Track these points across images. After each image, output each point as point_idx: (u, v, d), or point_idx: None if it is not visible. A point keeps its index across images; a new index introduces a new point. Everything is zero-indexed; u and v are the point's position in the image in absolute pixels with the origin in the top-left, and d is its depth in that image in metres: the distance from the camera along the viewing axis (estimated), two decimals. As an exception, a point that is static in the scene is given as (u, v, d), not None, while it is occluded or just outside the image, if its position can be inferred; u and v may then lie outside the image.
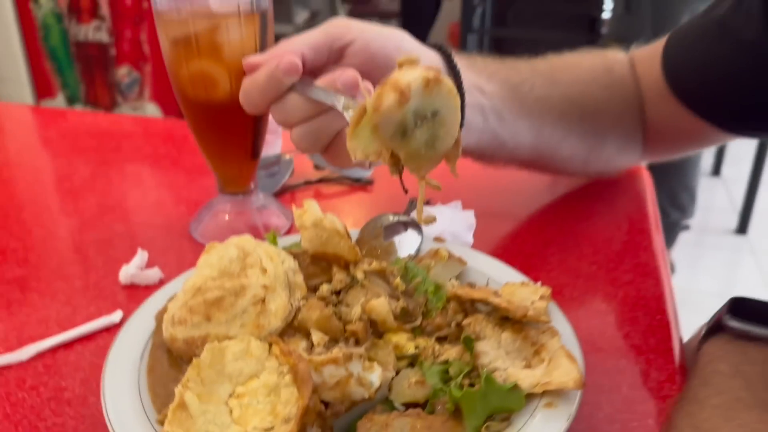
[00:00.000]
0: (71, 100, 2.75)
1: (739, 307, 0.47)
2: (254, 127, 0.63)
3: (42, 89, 2.77)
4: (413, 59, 0.40)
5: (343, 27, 0.55)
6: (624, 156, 0.75)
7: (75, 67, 2.69)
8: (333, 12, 4.52)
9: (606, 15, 2.92)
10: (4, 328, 0.54)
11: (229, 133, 0.63)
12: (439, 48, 0.60)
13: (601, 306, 0.57)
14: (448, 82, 0.39)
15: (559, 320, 0.47)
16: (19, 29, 2.67)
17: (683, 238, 2.51)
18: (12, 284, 0.59)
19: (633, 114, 0.72)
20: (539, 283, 0.50)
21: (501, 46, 3.61)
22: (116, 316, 0.54)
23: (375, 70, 0.52)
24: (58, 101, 2.76)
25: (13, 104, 1.06)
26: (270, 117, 0.65)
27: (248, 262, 0.44)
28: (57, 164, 0.85)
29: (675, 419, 0.41)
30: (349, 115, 0.45)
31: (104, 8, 2.53)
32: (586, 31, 3.27)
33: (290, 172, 0.79)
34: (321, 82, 0.50)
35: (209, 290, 0.42)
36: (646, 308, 0.56)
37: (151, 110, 2.63)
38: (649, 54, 0.70)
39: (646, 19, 2.17)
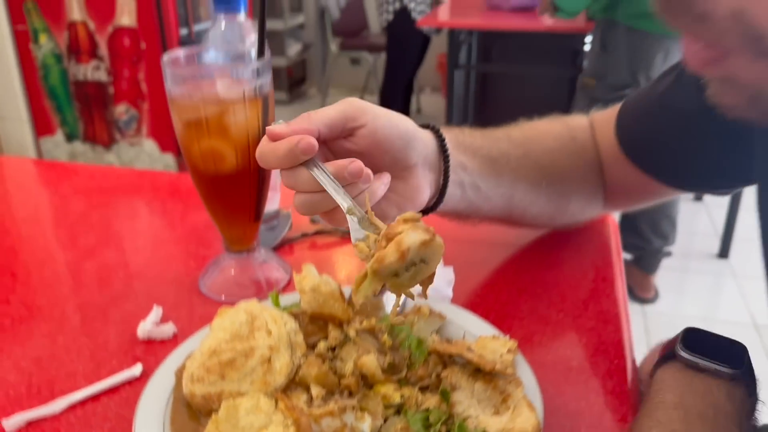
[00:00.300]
0: (70, 137, 2.77)
1: (692, 337, 0.48)
2: (257, 194, 0.67)
3: (41, 127, 2.79)
4: (415, 216, 0.45)
5: (357, 110, 0.57)
6: (586, 212, 0.79)
7: (74, 105, 2.71)
8: (324, 45, 4.55)
9: (587, 47, 2.95)
10: (36, 381, 0.57)
11: (234, 200, 0.67)
12: (433, 129, 0.63)
13: (566, 352, 0.61)
14: (439, 240, 0.44)
15: (524, 371, 0.51)
16: (19, 69, 2.70)
17: (666, 264, 2.51)
18: (41, 339, 0.62)
19: (594, 176, 0.76)
20: (508, 337, 0.54)
21: (486, 80, 3.64)
22: (137, 369, 0.57)
23: (377, 151, 0.56)
24: (58, 138, 2.78)
25: (20, 159, 1.07)
26: (271, 178, 0.70)
27: (256, 325, 0.49)
28: (71, 221, 0.87)
29: None
30: (351, 219, 0.50)
31: (103, 49, 2.57)
32: (569, 65, 3.31)
33: (289, 226, 0.83)
34: (331, 166, 0.53)
35: (223, 352, 0.47)
36: (606, 353, 0.60)
37: (149, 146, 2.66)
38: (606, 119, 0.75)
39: (622, 58, 2.22)
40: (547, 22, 2.79)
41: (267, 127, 0.55)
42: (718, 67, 0.37)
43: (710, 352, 0.46)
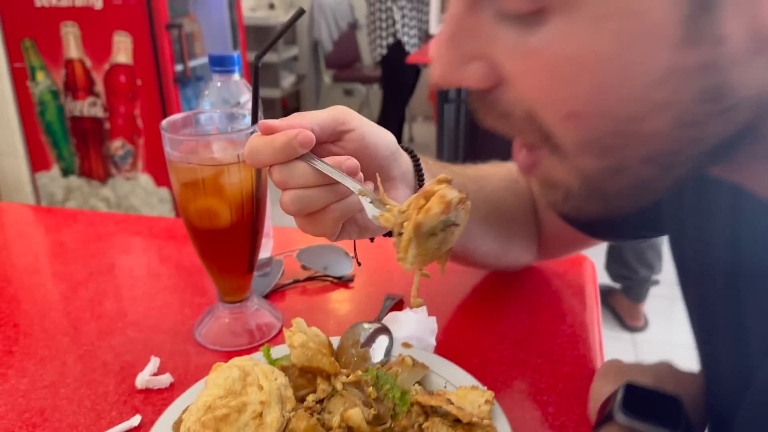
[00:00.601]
0: (66, 172, 2.79)
1: (630, 394, 0.47)
2: (250, 247, 0.70)
3: (38, 162, 2.82)
4: (448, 178, 0.49)
5: (347, 114, 0.59)
6: (525, 255, 0.81)
7: (70, 140, 2.74)
8: (318, 76, 4.59)
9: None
10: (36, 430, 0.59)
11: (228, 254, 0.70)
12: (408, 151, 0.66)
13: (544, 397, 0.63)
14: (469, 204, 0.48)
15: (501, 421, 0.54)
16: (16, 105, 2.73)
17: (655, 292, 2.53)
18: (43, 391, 0.64)
19: (533, 220, 0.78)
20: (486, 388, 0.56)
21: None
22: (135, 420, 0.59)
23: (364, 158, 0.57)
24: (54, 173, 2.80)
25: (19, 205, 1.09)
26: (264, 227, 0.72)
27: (248, 381, 0.51)
28: (71, 269, 0.89)
29: None
30: (364, 200, 0.53)
31: (99, 85, 2.61)
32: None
33: (281, 273, 0.86)
34: (328, 161, 0.54)
35: (217, 408, 0.49)
36: (580, 398, 0.62)
37: (144, 180, 2.69)
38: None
39: None
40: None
41: (261, 121, 0.56)
42: (535, 170, 0.39)
43: (648, 410, 0.45)
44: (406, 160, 0.64)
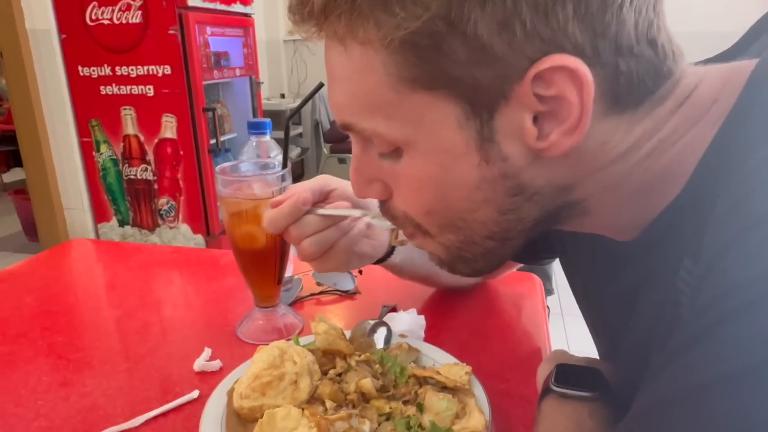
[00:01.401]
0: (122, 223, 2.79)
1: (562, 371, 0.48)
2: (279, 264, 0.71)
3: (100, 215, 2.81)
4: None
5: (329, 179, 0.65)
6: (474, 282, 0.84)
7: (126, 198, 2.75)
8: (318, 149, 4.63)
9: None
10: (121, 404, 0.59)
11: (263, 268, 0.71)
12: None
13: (510, 374, 0.65)
14: None
15: (477, 387, 0.55)
16: (83, 171, 2.75)
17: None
18: (123, 374, 0.65)
19: None
20: (465, 364, 0.58)
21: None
22: (195, 393, 0.60)
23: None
24: (112, 224, 2.80)
25: (89, 240, 1.10)
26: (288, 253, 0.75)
27: (285, 357, 0.53)
28: (137, 289, 0.90)
29: None
30: (369, 218, 0.57)
31: (150, 155, 2.63)
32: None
33: (300, 288, 0.87)
34: (330, 206, 0.60)
35: (263, 377, 0.51)
36: (534, 376, 0.59)
37: (184, 229, 2.68)
38: None
39: None
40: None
41: (270, 200, 0.61)
42: (415, 243, 0.47)
43: (575, 380, 0.46)
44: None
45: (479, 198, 0.39)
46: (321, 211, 0.59)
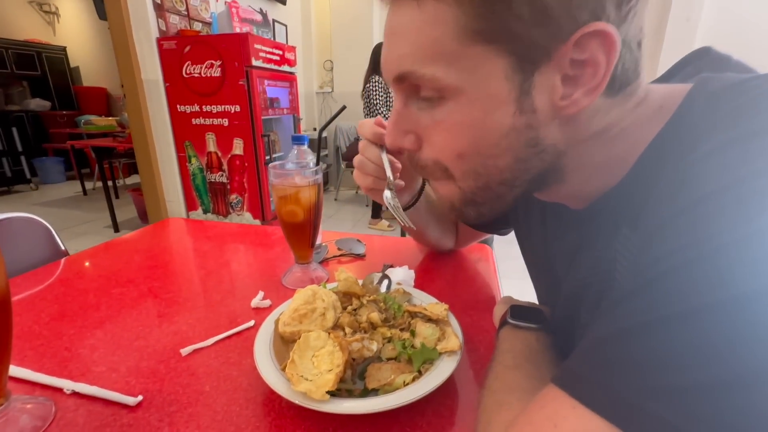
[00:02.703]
0: (205, 211, 2.73)
1: (516, 310, 0.46)
2: (312, 233, 0.68)
3: (190, 206, 2.74)
4: None
5: None
6: (449, 242, 0.79)
7: (209, 194, 2.68)
8: (338, 165, 4.57)
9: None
10: (197, 329, 0.56)
11: (301, 235, 0.68)
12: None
13: (472, 311, 0.61)
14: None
15: (452, 319, 0.52)
16: (180, 176, 2.68)
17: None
18: (200, 309, 0.61)
19: (455, 224, 0.77)
20: (444, 303, 0.54)
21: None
22: (251, 323, 0.57)
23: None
24: (198, 212, 2.73)
25: (180, 219, 1.06)
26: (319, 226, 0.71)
27: (316, 297, 0.49)
28: (214, 252, 0.85)
29: (484, 379, 0.39)
30: (388, 183, 0.51)
31: (225, 166, 2.57)
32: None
33: (326, 252, 0.84)
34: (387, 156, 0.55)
35: (301, 309, 0.47)
36: (490, 313, 0.60)
37: (247, 216, 2.62)
38: None
39: None
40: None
41: (377, 118, 0.56)
42: (435, 188, 0.40)
43: (525, 316, 0.44)
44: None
45: (504, 144, 0.33)
46: (383, 153, 0.54)
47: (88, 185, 4.79)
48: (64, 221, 3.47)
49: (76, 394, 0.44)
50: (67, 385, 0.45)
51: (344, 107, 0.63)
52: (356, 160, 0.56)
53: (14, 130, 4.77)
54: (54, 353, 0.51)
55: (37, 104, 5.18)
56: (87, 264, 0.79)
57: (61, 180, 5.15)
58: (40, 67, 5.29)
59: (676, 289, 0.22)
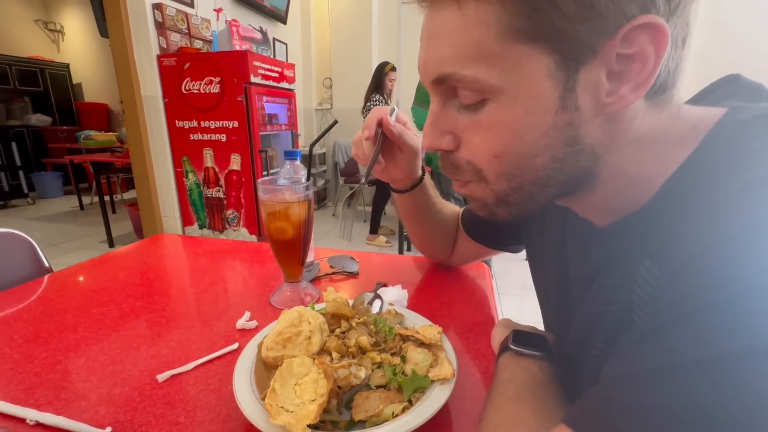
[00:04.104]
0: (201, 227, 2.70)
1: (517, 335, 0.44)
2: (302, 251, 0.65)
3: (186, 221, 2.72)
4: None
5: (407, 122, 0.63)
6: (441, 252, 0.76)
7: (205, 210, 2.66)
8: (336, 181, 4.58)
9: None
10: (177, 353, 0.53)
11: (290, 253, 0.65)
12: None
13: (469, 334, 0.59)
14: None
15: (446, 343, 0.49)
16: (176, 191, 2.66)
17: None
18: (181, 331, 0.58)
19: (453, 235, 0.75)
20: (437, 325, 0.51)
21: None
22: (235, 345, 0.54)
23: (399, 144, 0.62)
24: (194, 227, 2.71)
25: (173, 235, 1.03)
26: (309, 244, 0.69)
27: (302, 318, 0.47)
28: (201, 268, 0.82)
29: (482, 410, 0.37)
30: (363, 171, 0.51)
31: (222, 181, 2.55)
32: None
33: (318, 269, 0.81)
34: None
35: (285, 333, 0.45)
36: (487, 336, 0.57)
37: (243, 231, 2.60)
38: (459, 211, 0.75)
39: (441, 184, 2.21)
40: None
41: (392, 107, 0.59)
42: (466, 190, 0.37)
43: (528, 342, 0.42)
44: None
45: (543, 143, 0.31)
46: (380, 136, 0.58)
47: (86, 200, 4.76)
48: (59, 236, 3.44)
49: (39, 425, 0.41)
50: (30, 415, 0.41)
51: (336, 122, 0.61)
52: (355, 138, 0.59)
53: (14, 144, 4.77)
54: (21, 379, 0.48)
55: (38, 119, 5.21)
56: (70, 282, 0.76)
57: (59, 194, 5.13)
58: (43, 83, 5.34)
59: (703, 331, 0.21)
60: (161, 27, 2.47)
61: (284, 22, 3.81)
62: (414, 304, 0.66)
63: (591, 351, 0.36)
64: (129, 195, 5.07)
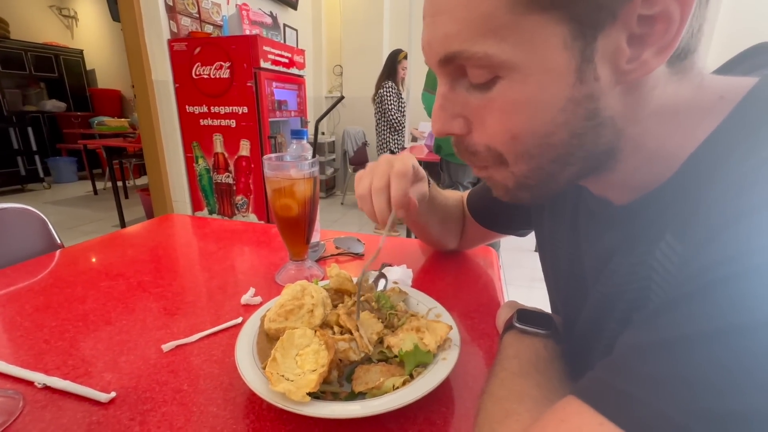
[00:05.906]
0: (210, 212, 2.73)
1: (522, 314, 0.43)
2: (308, 229, 0.65)
3: (196, 206, 2.74)
4: None
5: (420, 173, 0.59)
6: (452, 242, 0.75)
7: (215, 195, 2.68)
8: (345, 169, 4.58)
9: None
10: (182, 325, 0.53)
11: (296, 232, 0.65)
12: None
13: (471, 315, 0.58)
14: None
15: (448, 319, 0.48)
16: (186, 177, 2.68)
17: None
18: (190, 305, 0.59)
19: (460, 224, 0.73)
20: (448, 323, 0.51)
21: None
22: (238, 319, 0.54)
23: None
24: (204, 213, 2.73)
25: (183, 215, 1.04)
26: (315, 222, 0.69)
27: (305, 292, 0.47)
28: (212, 248, 0.83)
29: (485, 385, 0.37)
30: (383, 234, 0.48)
31: (231, 167, 2.57)
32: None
33: (323, 250, 0.81)
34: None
35: (287, 305, 0.45)
36: (492, 317, 0.57)
37: (252, 217, 2.61)
38: (464, 195, 0.74)
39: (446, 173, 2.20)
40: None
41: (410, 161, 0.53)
42: (486, 174, 0.36)
43: (533, 321, 0.41)
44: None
45: (561, 119, 0.29)
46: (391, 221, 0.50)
47: (99, 185, 4.85)
48: (73, 220, 3.51)
49: (47, 388, 0.42)
50: (39, 378, 0.42)
51: (342, 97, 0.61)
52: (360, 191, 0.51)
53: (30, 129, 4.86)
54: (31, 345, 0.49)
55: (54, 105, 5.28)
56: (80, 257, 0.78)
57: (74, 179, 5.23)
58: (58, 70, 5.40)
59: (729, 300, 0.20)
60: (172, 11, 2.47)
61: (295, 7, 3.77)
62: (420, 285, 0.66)
63: (604, 333, 0.35)
64: (141, 181, 5.15)
